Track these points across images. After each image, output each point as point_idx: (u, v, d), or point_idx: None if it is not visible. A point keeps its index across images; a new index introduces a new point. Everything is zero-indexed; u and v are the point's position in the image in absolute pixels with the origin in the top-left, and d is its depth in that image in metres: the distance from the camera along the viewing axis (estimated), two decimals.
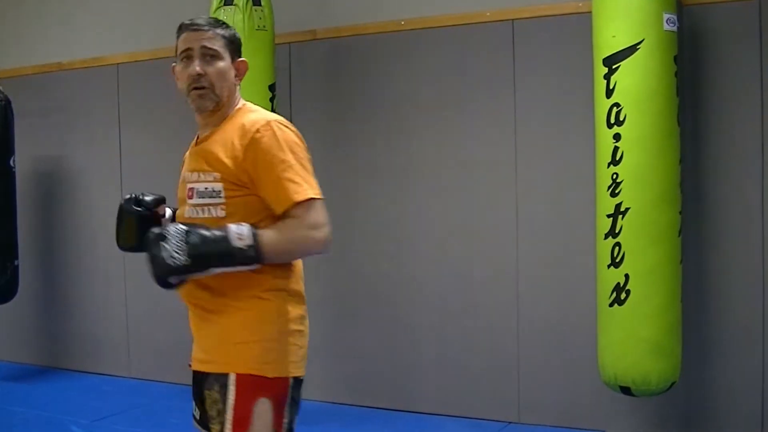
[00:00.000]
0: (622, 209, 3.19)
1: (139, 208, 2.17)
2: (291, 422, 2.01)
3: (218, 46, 2.02)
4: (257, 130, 1.94)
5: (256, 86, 3.74)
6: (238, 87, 2.09)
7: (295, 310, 2.01)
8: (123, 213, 2.19)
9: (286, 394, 1.97)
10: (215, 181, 1.96)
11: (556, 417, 3.96)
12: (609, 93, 3.21)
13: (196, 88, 2.00)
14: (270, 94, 3.99)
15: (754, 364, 3.55)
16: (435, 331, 4.24)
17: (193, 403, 2.08)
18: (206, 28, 2.02)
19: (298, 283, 2.04)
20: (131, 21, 5.05)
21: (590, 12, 3.39)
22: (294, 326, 2.00)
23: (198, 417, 2.06)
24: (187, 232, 1.87)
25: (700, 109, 3.63)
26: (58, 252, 5.37)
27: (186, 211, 2.04)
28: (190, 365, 2.06)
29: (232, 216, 1.93)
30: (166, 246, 1.85)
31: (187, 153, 2.15)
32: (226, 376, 1.93)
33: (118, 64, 5.08)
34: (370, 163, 4.39)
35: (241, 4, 3.87)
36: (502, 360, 4.07)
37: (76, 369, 5.27)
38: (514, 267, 4.05)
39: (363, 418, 4.26)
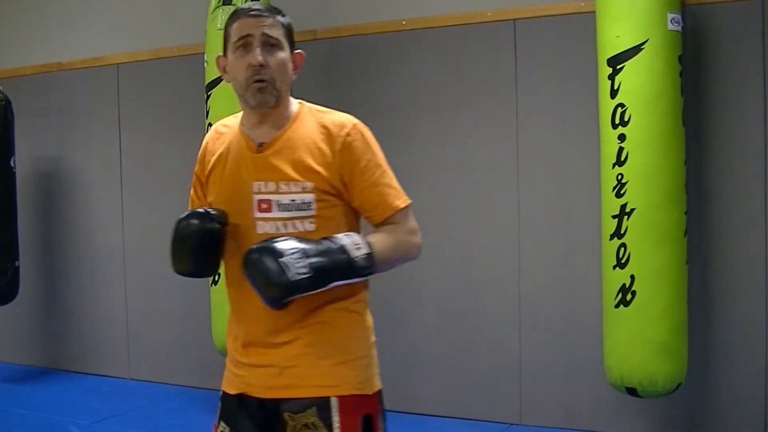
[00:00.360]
0: (628, 210, 3.18)
1: (216, 225, 1.84)
2: None
3: (279, 34, 1.81)
4: (348, 134, 1.80)
5: None
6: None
7: (371, 319, 1.92)
8: (192, 231, 1.83)
9: (382, 406, 1.90)
10: (305, 191, 1.78)
11: (558, 419, 3.94)
12: (613, 93, 3.20)
13: (257, 81, 1.78)
14: None
15: (759, 365, 3.54)
16: (436, 332, 4.23)
17: (224, 424, 1.90)
18: (266, 14, 1.81)
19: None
20: (131, 21, 5.02)
21: (592, 12, 3.38)
22: (373, 337, 1.92)
23: None
24: (303, 246, 1.69)
25: (703, 110, 3.61)
26: (58, 252, 5.35)
27: (259, 226, 1.80)
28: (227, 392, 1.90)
29: (321, 230, 1.77)
30: (286, 262, 1.66)
31: (230, 158, 1.87)
32: (326, 399, 1.80)
33: (118, 64, 5.05)
34: None
35: (240, 4, 3.85)
36: (503, 361, 4.06)
37: (75, 370, 5.25)
38: (516, 268, 4.03)
39: None
